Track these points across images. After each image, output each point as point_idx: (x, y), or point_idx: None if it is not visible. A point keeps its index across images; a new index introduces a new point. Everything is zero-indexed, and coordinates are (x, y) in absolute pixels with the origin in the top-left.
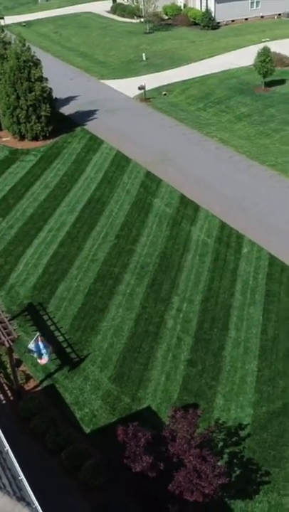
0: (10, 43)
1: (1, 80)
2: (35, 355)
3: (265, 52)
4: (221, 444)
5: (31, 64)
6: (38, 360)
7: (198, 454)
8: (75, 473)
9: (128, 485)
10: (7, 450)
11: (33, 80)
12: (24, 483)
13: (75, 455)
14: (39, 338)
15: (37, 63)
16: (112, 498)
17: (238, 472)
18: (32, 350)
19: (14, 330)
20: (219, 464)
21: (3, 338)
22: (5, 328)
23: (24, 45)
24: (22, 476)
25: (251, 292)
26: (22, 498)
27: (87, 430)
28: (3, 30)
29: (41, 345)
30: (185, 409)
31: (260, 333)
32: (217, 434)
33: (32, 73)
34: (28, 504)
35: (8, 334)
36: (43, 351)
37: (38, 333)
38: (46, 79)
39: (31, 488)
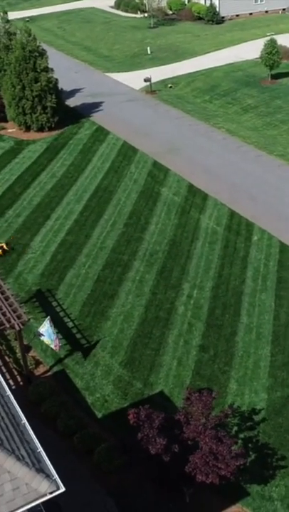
0: (15, 34)
1: (7, 70)
2: (45, 339)
3: (271, 44)
4: (235, 428)
5: (37, 54)
6: (52, 346)
7: (214, 435)
8: (88, 458)
9: (142, 468)
10: (24, 423)
11: (38, 70)
12: (43, 456)
13: (87, 439)
14: (49, 322)
15: (43, 53)
16: (127, 481)
17: (253, 456)
18: (42, 334)
19: (24, 313)
20: (234, 448)
21: (13, 321)
22: (15, 311)
23: (30, 35)
24: (40, 449)
25: (262, 279)
26: (41, 470)
27: (99, 415)
28: (8, 21)
29: (51, 329)
30: (199, 392)
31: (273, 319)
32: (232, 419)
33: (38, 63)
34: (48, 476)
35: (19, 317)
36: (53, 336)
37: (48, 317)
38: (52, 69)
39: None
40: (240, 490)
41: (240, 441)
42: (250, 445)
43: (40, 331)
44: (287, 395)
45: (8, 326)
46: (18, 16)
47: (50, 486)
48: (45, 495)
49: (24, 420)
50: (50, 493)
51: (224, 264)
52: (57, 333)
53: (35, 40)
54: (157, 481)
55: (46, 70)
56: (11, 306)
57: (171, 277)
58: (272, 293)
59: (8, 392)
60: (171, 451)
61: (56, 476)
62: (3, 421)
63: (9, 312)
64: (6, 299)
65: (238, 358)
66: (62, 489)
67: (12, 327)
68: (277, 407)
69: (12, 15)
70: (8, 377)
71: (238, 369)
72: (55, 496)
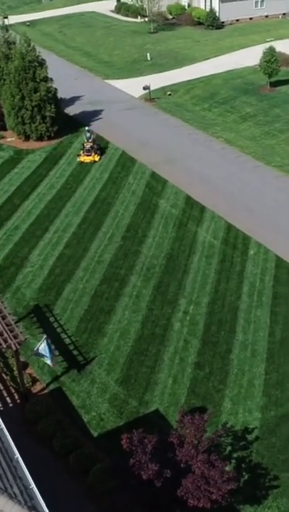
0: (14, 43)
1: (6, 80)
2: (44, 358)
3: (270, 52)
4: (229, 448)
5: (36, 64)
6: (49, 363)
7: (206, 460)
8: (83, 478)
9: (135, 491)
10: (17, 458)
11: (38, 80)
12: (35, 492)
13: (83, 459)
14: (47, 341)
15: (42, 63)
16: (120, 503)
17: (246, 477)
18: (40, 353)
19: (21, 333)
20: (227, 469)
21: (10, 341)
22: (11, 331)
23: (29, 45)
24: (33, 485)
25: (258, 294)
26: (33, 508)
27: (95, 434)
28: (7, 30)
29: (48, 348)
30: (192, 413)
31: (268, 335)
32: (225, 439)
33: (37, 73)
34: None
35: (15, 337)
36: (50, 354)
37: (45, 336)
38: (51, 79)
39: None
40: (233, 511)
41: (233, 461)
42: (243, 465)
43: (38, 350)
44: (281, 415)
45: (4, 345)
46: (19, 20)
47: None
48: None
49: (17, 455)
50: None
51: (220, 279)
52: (54, 349)
53: (34, 50)
54: (150, 505)
55: (46, 79)
56: (8, 325)
57: (168, 292)
58: (267, 309)
59: (2, 426)
60: (163, 476)
61: None
62: None
63: (6, 332)
64: (3, 318)
65: (232, 375)
66: None
67: (9, 347)
68: (270, 426)
69: (12, 19)
70: (5, 394)
71: (232, 387)
72: None
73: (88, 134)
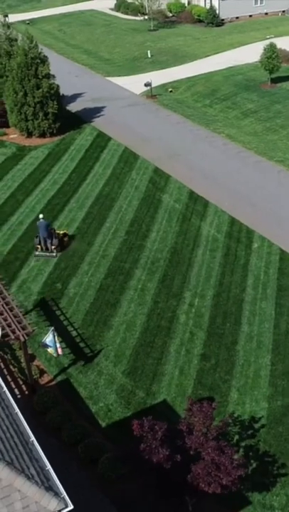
0: (16, 40)
1: (9, 77)
2: (49, 349)
3: (271, 49)
4: (236, 437)
5: (39, 61)
6: (55, 355)
7: (215, 446)
8: (92, 467)
9: (145, 478)
10: (32, 441)
11: (40, 76)
12: (51, 474)
13: (91, 448)
14: (54, 333)
15: (44, 60)
16: (130, 491)
17: (254, 465)
18: (47, 345)
19: (29, 324)
20: (236, 457)
21: (18, 332)
22: (19, 323)
23: (32, 41)
24: (49, 467)
25: (263, 287)
26: (50, 488)
27: (103, 424)
28: (9, 27)
29: (55, 339)
30: (200, 402)
31: (273, 327)
32: (233, 428)
33: (39, 70)
34: (56, 494)
35: (23, 328)
36: (57, 345)
37: (52, 328)
38: (53, 76)
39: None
40: (242, 499)
41: (241, 449)
42: (251, 454)
43: (45, 342)
44: (287, 404)
45: (13, 337)
46: (19, 19)
47: (58, 504)
48: None
49: (32, 438)
50: (59, 511)
51: (225, 272)
52: (60, 342)
53: (36, 46)
54: (160, 491)
55: (48, 76)
56: (15, 317)
57: (173, 285)
58: (272, 301)
59: (17, 410)
60: (173, 460)
61: (65, 494)
62: (13, 439)
63: (14, 323)
64: (11, 309)
65: (238, 367)
66: (71, 507)
67: (17, 338)
68: (277, 416)
69: (12, 17)
70: (13, 386)
71: (238, 378)
72: None
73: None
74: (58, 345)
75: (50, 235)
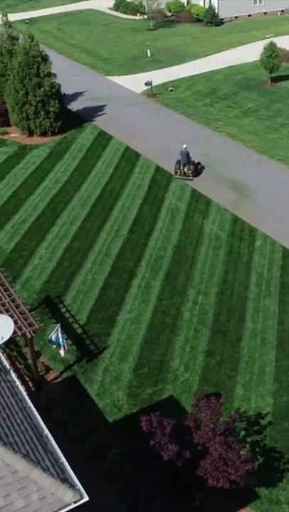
0: (17, 39)
1: (10, 75)
2: (55, 345)
3: (271, 47)
4: (242, 433)
5: (40, 59)
6: (61, 352)
7: (223, 442)
8: (100, 463)
9: (153, 474)
10: (46, 434)
11: (42, 75)
12: (66, 466)
13: (98, 444)
14: (60, 330)
15: (46, 58)
16: (137, 486)
17: (260, 460)
18: (53, 341)
19: (36, 321)
20: (242, 452)
21: (24, 328)
22: (26, 319)
23: (33, 40)
24: (63, 459)
25: (266, 284)
26: (65, 480)
27: (110, 420)
28: (10, 26)
29: (61, 336)
30: (207, 398)
31: (277, 324)
32: (239, 424)
33: (41, 69)
34: (72, 486)
35: (30, 325)
36: (62, 342)
37: (58, 325)
38: (55, 74)
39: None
40: (249, 493)
41: (247, 445)
42: (257, 449)
43: (52, 338)
44: None
45: (19, 333)
46: (18, 18)
47: (74, 496)
48: (69, 504)
49: (46, 431)
50: (75, 502)
51: (228, 270)
52: (66, 339)
53: (38, 45)
54: (168, 486)
55: (49, 75)
56: (22, 313)
57: (177, 283)
58: (276, 298)
59: (30, 404)
60: (183, 457)
61: (80, 486)
62: (27, 432)
63: (20, 320)
64: (17, 306)
65: (243, 363)
66: (86, 498)
67: (24, 335)
68: (283, 411)
69: (11, 17)
70: (20, 382)
71: (243, 374)
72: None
73: None
74: (63, 343)
75: (189, 162)
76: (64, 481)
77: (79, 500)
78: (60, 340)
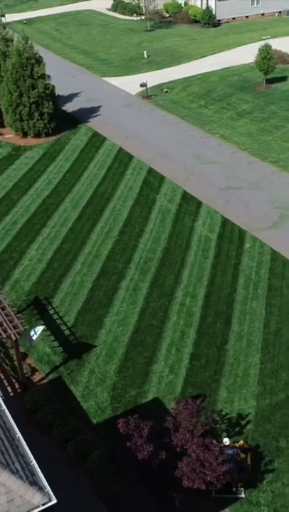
0: (12, 40)
1: (4, 77)
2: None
3: (266, 49)
4: (224, 435)
5: (34, 61)
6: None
7: (201, 443)
8: (82, 464)
9: (133, 475)
10: (18, 437)
11: (35, 77)
12: (36, 469)
13: (81, 446)
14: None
15: (40, 60)
16: (118, 488)
17: None
18: (29, 336)
19: (21, 323)
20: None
21: (9, 331)
22: (11, 322)
23: (27, 42)
24: (34, 462)
25: (254, 287)
26: (34, 483)
27: (93, 422)
28: (4, 27)
29: (38, 335)
30: (185, 400)
31: (263, 326)
32: (220, 425)
33: (35, 70)
34: (40, 488)
35: (15, 327)
36: (33, 334)
37: (43, 327)
38: (49, 76)
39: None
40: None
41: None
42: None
43: (30, 335)
44: (275, 403)
45: (4, 336)
46: (16, 19)
47: (42, 498)
48: (38, 506)
49: (19, 434)
50: (43, 504)
51: (216, 272)
52: (52, 341)
53: (32, 47)
54: (148, 488)
55: (43, 76)
56: (7, 316)
57: (165, 285)
58: (263, 301)
59: (4, 407)
60: (159, 457)
61: (48, 488)
62: None
63: (6, 322)
64: (3, 308)
65: (228, 365)
66: (54, 501)
67: (8, 337)
68: (265, 414)
69: (9, 17)
70: (6, 384)
71: (228, 377)
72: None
73: None
74: (34, 334)
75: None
76: (33, 484)
77: (47, 503)
78: (35, 333)
